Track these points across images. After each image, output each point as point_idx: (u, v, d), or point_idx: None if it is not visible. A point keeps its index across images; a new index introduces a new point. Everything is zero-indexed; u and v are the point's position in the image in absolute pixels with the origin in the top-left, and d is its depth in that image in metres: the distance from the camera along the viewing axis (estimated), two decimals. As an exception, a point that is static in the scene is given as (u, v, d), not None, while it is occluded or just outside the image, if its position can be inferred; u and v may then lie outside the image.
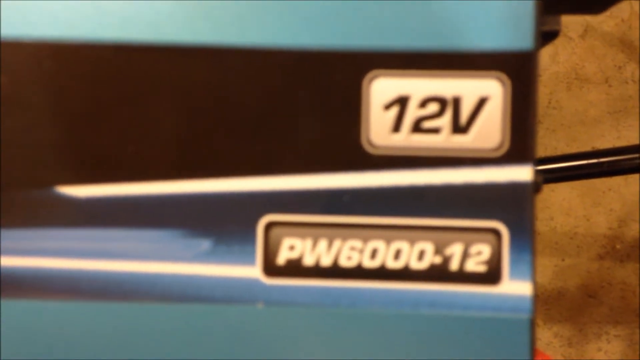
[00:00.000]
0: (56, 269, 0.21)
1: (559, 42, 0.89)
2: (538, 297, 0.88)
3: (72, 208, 0.21)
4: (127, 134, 0.21)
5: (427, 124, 0.21)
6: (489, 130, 0.21)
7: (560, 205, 0.88)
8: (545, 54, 0.88)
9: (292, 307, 0.21)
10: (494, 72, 0.20)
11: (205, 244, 0.21)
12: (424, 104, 0.21)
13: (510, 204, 0.20)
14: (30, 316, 0.21)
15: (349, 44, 0.21)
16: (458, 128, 0.21)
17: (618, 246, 0.88)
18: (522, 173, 0.20)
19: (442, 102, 0.21)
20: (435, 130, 0.21)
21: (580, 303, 0.88)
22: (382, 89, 0.21)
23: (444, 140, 0.21)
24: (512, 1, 0.20)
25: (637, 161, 0.62)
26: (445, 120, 0.21)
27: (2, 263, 0.21)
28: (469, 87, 0.20)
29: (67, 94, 0.21)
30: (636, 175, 0.88)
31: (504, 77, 0.20)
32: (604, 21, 0.89)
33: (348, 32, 0.21)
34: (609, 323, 0.88)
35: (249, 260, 0.21)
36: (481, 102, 0.21)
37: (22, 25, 0.21)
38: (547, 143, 0.89)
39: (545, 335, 0.88)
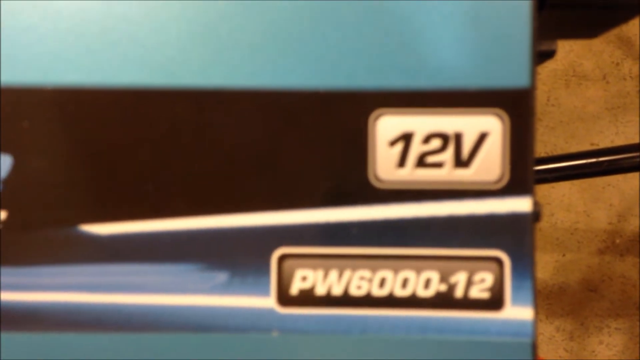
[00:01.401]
0: (80, 303, 0.22)
1: (556, 39, 0.90)
2: (540, 292, 0.89)
3: (94, 245, 0.22)
4: (146, 174, 0.22)
5: (431, 159, 0.22)
6: (490, 164, 0.22)
7: (561, 202, 0.89)
8: (543, 52, 0.88)
9: (306, 335, 0.22)
10: (493, 109, 0.21)
11: (221, 276, 0.22)
12: (427, 140, 0.22)
13: (511, 234, 0.21)
14: (53, 350, 0.22)
15: (355, 85, 0.22)
16: (460, 162, 0.22)
17: (618, 241, 0.89)
18: (522, 204, 0.21)
19: (445, 137, 0.22)
20: (439, 165, 0.22)
21: (581, 297, 0.90)
22: (387, 126, 0.22)
23: (447, 174, 0.22)
24: (509, 40, 0.21)
25: (637, 159, 0.63)
26: (448, 155, 0.22)
27: (27, 299, 0.22)
28: (470, 124, 0.22)
29: (88, 137, 0.22)
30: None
31: (503, 113, 0.21)
32: (601, 18, 0.90)
33: (353, 73, 0.22)
34: (610, 316, 0.89)
35: (264, 291, 0.22)
36: (481, 138, 0.22)
37: (43, 72, 0.22)
38: (546, 140, 0.90)
39: (548, 330, 0.89)
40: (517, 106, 0.21)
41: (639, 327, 0.89)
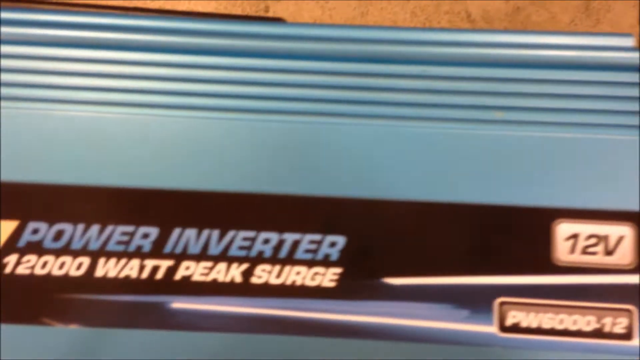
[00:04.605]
0: (381, 323, 0.38)
1: None
2: None
3: (391, 290, 0.38)
4: (420, 255, 0.38)
5: (590, 250, 0.38)
6: (625, 253, 0.37)
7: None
8: None
9: (515, 350, 0.37)
10: (627, 222, 0.38)
11: (465, 312, 0.38)
12: (588, 238, 0.38)
13: (638, 295, 0.37)
14: (370, 350, 0.38)
15: (549, 204, 0.38)
16: (608, 252, 0.38)
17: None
18: (644, 278, 0.37)
19: (598, 237, 0.38)
20: (594, 253, 0.38)
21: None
22: (563, 229, 0.38)
23: (600, 259, 0.38)
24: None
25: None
26: (601, 248, 0.38)
27: (353, 319, 0.38)
28: (614, 230, 0.38)
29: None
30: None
31: (634, 225, 0.37)
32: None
33: (547, 196, 0.38)
34: None
35: (489, 322, 0.38)
36: (620, 238, 0.38)
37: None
38: None
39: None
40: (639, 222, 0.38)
41: None
